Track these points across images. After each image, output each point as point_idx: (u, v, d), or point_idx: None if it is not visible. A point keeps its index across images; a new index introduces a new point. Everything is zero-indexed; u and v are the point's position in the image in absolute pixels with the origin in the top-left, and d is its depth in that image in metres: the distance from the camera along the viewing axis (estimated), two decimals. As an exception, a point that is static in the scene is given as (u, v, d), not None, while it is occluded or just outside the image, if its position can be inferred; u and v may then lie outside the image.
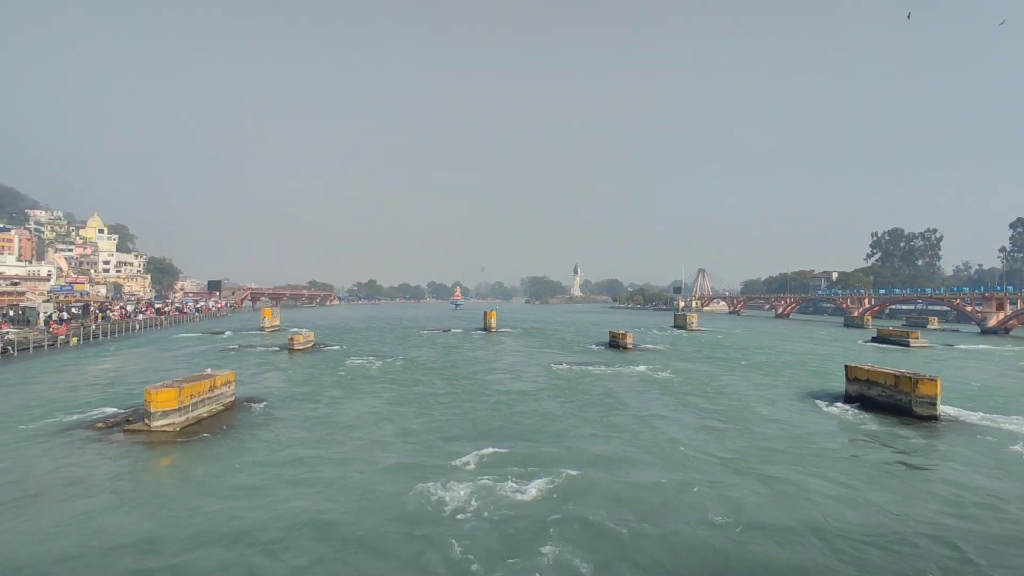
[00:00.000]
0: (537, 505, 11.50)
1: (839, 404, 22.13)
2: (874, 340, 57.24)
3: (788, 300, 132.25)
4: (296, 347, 40.29)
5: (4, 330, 39.97)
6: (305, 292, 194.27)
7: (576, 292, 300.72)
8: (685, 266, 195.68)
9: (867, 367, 23.08)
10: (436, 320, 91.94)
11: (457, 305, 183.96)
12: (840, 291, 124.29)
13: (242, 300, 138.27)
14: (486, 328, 64.80)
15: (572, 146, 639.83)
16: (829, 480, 13.30)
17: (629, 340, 44.85)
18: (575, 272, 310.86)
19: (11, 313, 47.12)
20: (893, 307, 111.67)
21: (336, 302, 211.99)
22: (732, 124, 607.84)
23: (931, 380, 19.81)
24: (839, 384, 24.82)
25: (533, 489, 12.19)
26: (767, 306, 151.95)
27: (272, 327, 61.34)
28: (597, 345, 47.83)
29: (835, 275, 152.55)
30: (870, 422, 19.22)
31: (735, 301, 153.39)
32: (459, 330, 65.49)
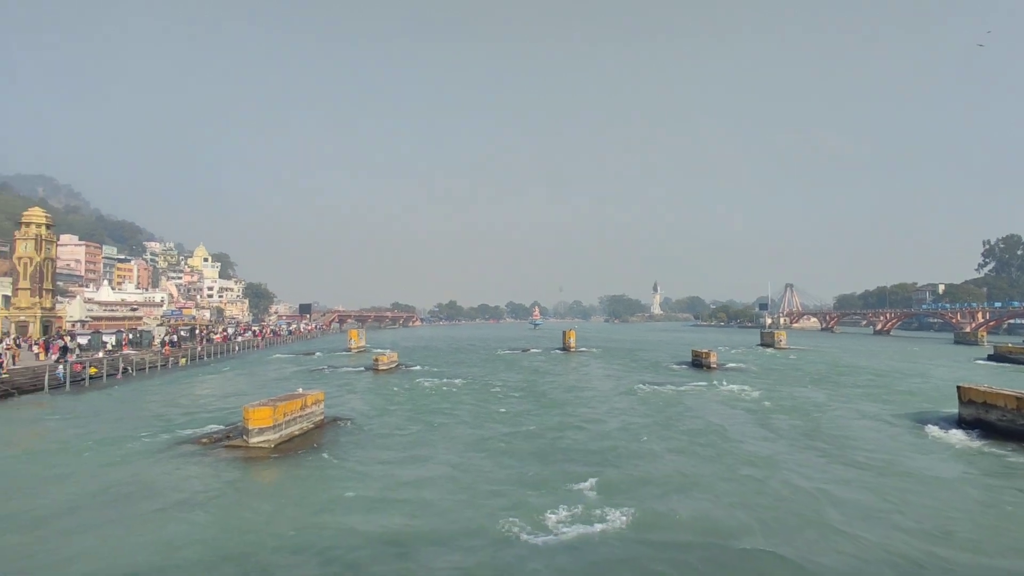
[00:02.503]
0: None
1: (951, 429, 20.23)
2: (991, 358, 52.07)
3: (888, 315, 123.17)
4: (381, 367, 41.71)
5: (125, 351, 43.92)
6: (389, 314, 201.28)
7: (656, 310, 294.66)
8: (772, 281, 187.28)
9: (984, 388, 21.00)
10: (515, 340, 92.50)
11: (536, 325, 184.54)
12: (948, 305, 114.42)
13: (330, 322, 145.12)
14: (565, 348, 64.49)
15: (651, 161, 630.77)
16: (934, 513, 12.17)
17: (713, 359, 43.22)
18: (655, 290, 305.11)
19: (130, 336, 51.77)
20: (1012, 322, 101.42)
21: (418, 323, 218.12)
22: (821, 130, 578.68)
23: (1062, 403, 17.78)
24: (951, 406, 22.70)
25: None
26: (864, 322, 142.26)
27: (358, 348, 63.92)
28: (679, 364, 46.44)
29: (941, 288, 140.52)
30: (989, 450, 17.41)
31: (827, 317, 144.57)
32: (538, 350, 65.54)
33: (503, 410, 25.29)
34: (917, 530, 11.32)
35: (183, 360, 47.46)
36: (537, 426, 21.73)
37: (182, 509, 12.47)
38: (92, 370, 34.67)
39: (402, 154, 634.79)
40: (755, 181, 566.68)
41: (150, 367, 41.77)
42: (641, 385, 32.95)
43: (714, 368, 42.13)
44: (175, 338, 57.33)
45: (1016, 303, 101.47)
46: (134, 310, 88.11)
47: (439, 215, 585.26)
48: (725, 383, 33.13)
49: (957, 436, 19.45)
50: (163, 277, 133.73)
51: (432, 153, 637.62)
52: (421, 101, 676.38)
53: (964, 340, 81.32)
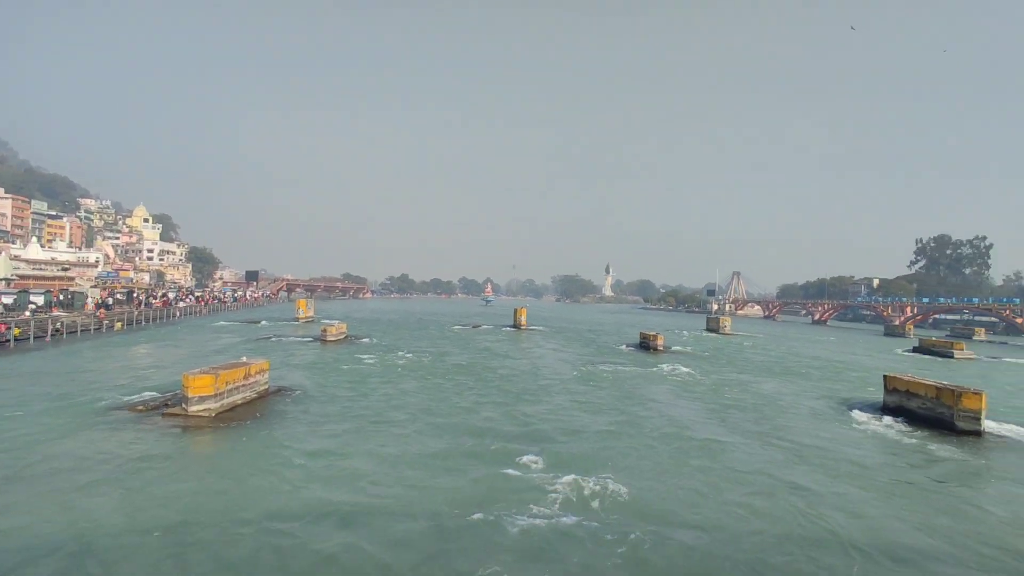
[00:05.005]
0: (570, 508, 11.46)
1: (876, 415, 21.46)
2: (915, 350, 55.39)
3: (826, 306, 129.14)
4: (329, 338, 40.99)
5: (55, 313, 41.64)
6: (339, 284, 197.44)
7: (607, 292, 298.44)
8: (719, 269, 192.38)
9: (907, 377, 22.36)
10: (467, 316, 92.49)
11: (488, 302, 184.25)
12: (881, 299, 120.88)
13: (278, 291, 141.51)
14: (516, 325, 64.86)
15: (606, 146, 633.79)
16: (856, 492, 12.96)
17: (660, 342, 44.36)
18: (607, 272, 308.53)
19: (61, 297, 49.06)
20: (937, 317, 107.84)
21: (369, 295, 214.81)
22: (773, 125, 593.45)
23: (975, 394, 19.06)
24: (877, 394, 24.08)
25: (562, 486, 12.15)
26: (803, 312, 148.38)
27: (306, 318, 62.61)
28: (628, 346, 47.43)
29: (876, 282, 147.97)
30: (908, 435, 18.59)
31: (770, 305, 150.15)
32: (489, 326, 65.74)
33: (451, 386, 25.32)
34: (828, 507, 12.03)
35: (119, 324, 45.41)
36: (483, 402, 21.92)
37: (111, 479, 12.01)
38: (16, 331, 32.78)
39: (357, 122, 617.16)
40: (709, 170, 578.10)
41: (82, 330, 39.82)
42: (588, 367, 33.50)
43: (661, 351, 43.23)
44: (110, 301, 54.75)
45: (942, 299, 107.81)
46: (65, 270, 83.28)
47: (393, 187, 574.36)
48: (670, 366, 34.09)
49: (877, 419, 20.80)
50: (98, 237, 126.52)
51: (387, 123, 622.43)
52: (372, 72, 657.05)
53: (893, 332, 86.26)
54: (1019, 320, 78.20)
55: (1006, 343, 75.43)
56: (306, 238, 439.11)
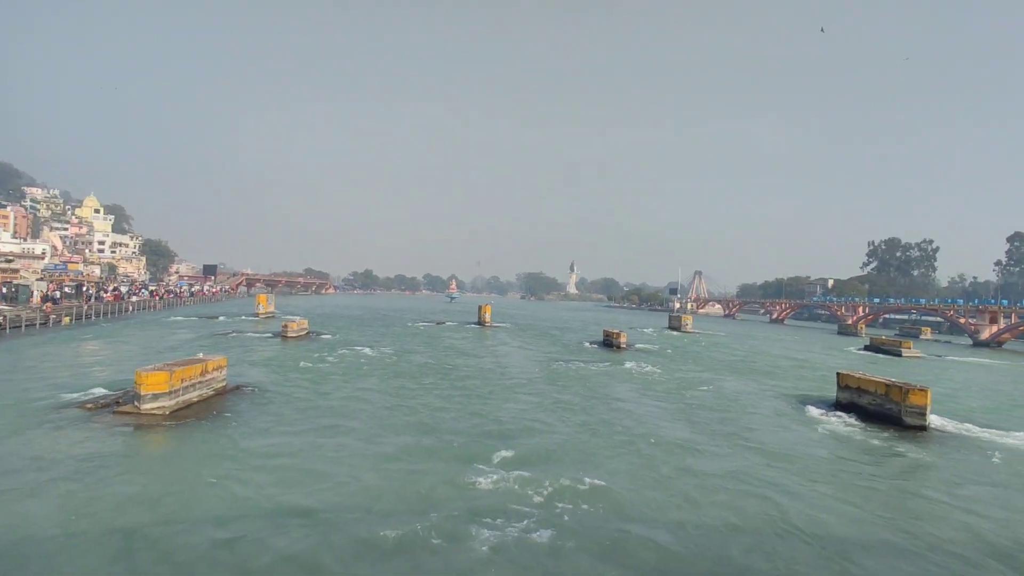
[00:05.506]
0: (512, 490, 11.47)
1: (829, 411, 22.20)
2: (867, 348, 57.52)
3: (783, 305, 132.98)
4: (290, 334, 40.16)
5: (-4, 307, 39.71)
6: (301, 280, 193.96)
7: (572, 289, 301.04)
8: (682, 268, 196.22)
9: (858, 375, 23.16)
10: (431, 312, 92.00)
11: (452, 298, 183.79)
12: (835, 298, 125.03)
13: (237, 286, 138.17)
14: (480, 322, 64.81)
15: (571, 146, 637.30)
16: (811, 487, 13.36)
17: (623, 340, 44.91)
18: (571, 269, 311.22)
19: (4, 290, 46.78)
20: (887, 316, 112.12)
21: (332, 291, 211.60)
22: (735, 129, 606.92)
23: (921, 390, 19.89)
24: (831, 391, 24.88)
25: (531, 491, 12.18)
26: (762, 311, 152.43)
27: (266, 313, 61.25)
28: (591, 343, 47.88)
29: (831, 282, 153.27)
30: (859, 430, 19.28)
31: (730, 304, 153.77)
32: (453, 323, 65.50)
33: (415, 385, 25.07)
34: (796, 505, 12.36)
35: (67, 319, 43.60)
36: (448, 402, 21.85)
37: (55, 480, 11.50)
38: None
39: (321, 117, 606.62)
40: (673, 171, 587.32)
41: (27, 325, 38.07)
42: (554, 365, 33.63)
43: (624, 348, 43.78)
44: (58, 295, 52.54)
45: (892, 300, 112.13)
46: (9, 261, 79.31)
47: (358, 182, 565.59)
48: (633, 364, 34.59)
49: (829, 415, 21.60)
50: (45, 227, 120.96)
51: (352, 119, 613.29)
52: (342, 66, 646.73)
53: (846, 331, 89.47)
54: (962, 320, 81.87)
55: (950, 342, 78.98)
56: (267, 232, 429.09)
